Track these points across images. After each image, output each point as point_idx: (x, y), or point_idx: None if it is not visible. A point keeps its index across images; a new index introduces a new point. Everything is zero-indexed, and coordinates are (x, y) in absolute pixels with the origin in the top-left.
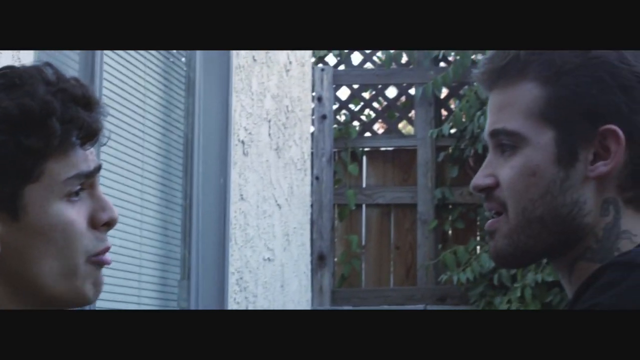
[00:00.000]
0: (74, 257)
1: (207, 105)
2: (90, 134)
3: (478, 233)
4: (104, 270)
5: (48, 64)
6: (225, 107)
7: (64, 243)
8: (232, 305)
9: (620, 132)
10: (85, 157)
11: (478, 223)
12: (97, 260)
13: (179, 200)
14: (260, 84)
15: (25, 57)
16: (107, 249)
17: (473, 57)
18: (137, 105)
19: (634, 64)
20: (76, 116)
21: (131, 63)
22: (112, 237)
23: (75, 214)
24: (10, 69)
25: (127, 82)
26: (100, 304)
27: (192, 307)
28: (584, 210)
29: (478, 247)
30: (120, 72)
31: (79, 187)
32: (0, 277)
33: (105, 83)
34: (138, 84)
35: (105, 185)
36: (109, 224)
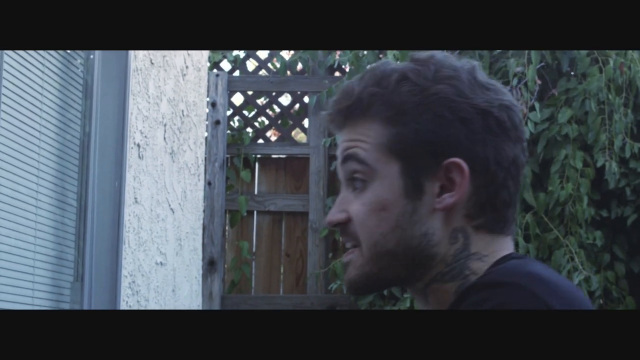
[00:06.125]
0: None
1: (104, 107)
2: None
3: None
4: None
5: None
6: (121, 110)
7: None
8: (124, 309)
9: (464, 164)
10: None
11: None
12: None
13: (74, 202)
14: (156, 87)
15: None
16: None
17: (369, 66)
18: (34, 105)
19: (471, 97)
20: None
21: (30, 63)
22: (7, 237)
23: None
24: None
25: (26, 82)
26: None
27: (85, 309)
28: (432, 241)
29: None
30: (19, 74)
31: None
32: None
33: (5, 82)
34: (36, 83)
35: (2, 185)
36: None
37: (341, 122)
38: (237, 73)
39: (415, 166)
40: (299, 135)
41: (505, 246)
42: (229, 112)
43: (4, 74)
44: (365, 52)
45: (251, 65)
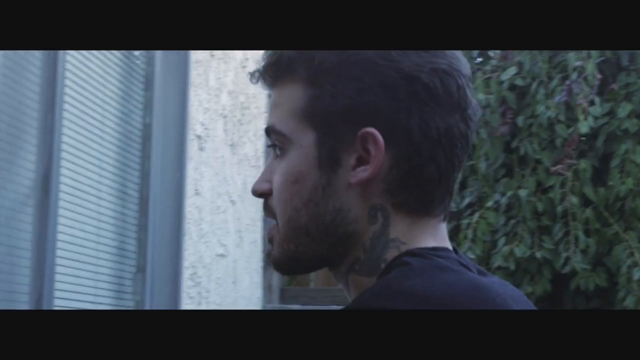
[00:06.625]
0: None
1: (165, 99)
2: None
3: None
4: (61, 261)
5: None
6: (182, 102)
7: None
8: (185, 300)
9: (379, 135)
10: None
11: None
12: None
13: (135, 194)
14: (217, 79)
15: None
16: None
17: None
18: (97, 97)
19: (398, 59)
20: None
21: (92, 55)
22: (71, 227)
23: None
24: None
25: (89, 73)
26: (58, 294)
27: (147, 301)
28: (347, 219)
29: None
30: (82, 66)
31: None
32: None
33: (67, 74)
34: (98, 75)
35: (65, 176)
36: None
37: (270, 82)
38: None
39: (330, 135)
40: None
41: (428, 230)
42: None
43: (67, 66)
44: None
45: None
